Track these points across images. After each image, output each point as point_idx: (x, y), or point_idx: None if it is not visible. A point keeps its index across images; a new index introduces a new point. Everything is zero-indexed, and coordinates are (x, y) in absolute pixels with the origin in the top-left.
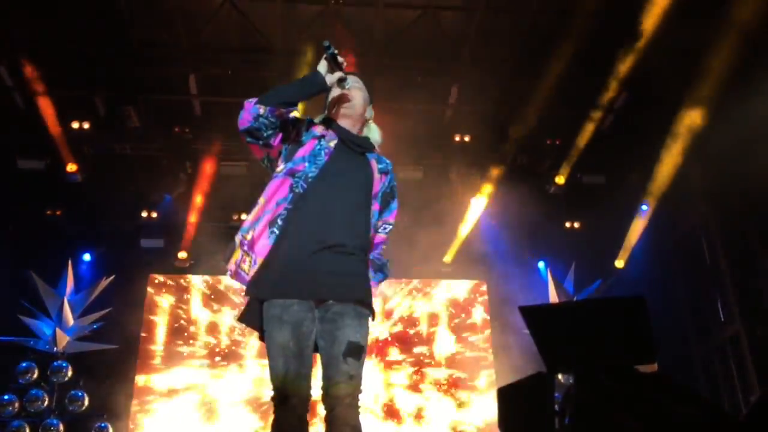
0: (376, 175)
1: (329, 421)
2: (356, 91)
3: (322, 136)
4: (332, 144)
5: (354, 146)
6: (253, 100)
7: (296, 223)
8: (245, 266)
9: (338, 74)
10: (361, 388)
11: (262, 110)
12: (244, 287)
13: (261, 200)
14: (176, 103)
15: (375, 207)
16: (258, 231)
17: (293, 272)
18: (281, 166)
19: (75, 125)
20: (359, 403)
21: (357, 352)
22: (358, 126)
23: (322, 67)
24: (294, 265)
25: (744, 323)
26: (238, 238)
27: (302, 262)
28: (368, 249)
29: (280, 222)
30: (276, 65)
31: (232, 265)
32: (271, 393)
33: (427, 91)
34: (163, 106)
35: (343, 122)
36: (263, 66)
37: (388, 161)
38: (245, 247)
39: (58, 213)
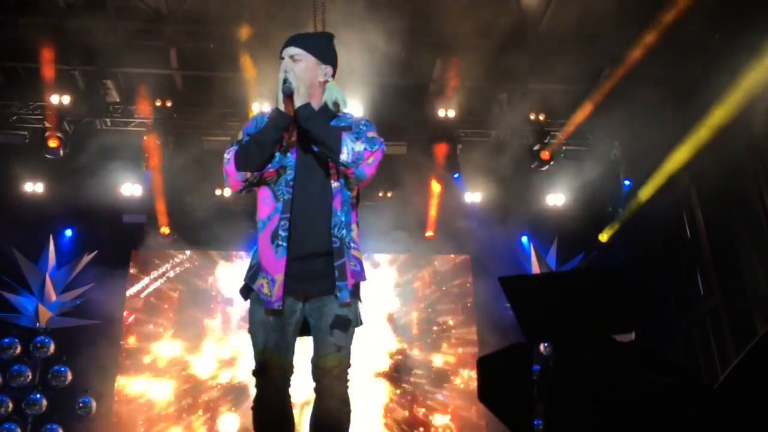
0: None
1: (317, 393)
2: (292, 65)
3: (282, 137)
4: (293, 139)
5: None
6: (230, 161)
7: (295, 232)
8: (265, 290)
9: (287, 86)
10: (350, 362)
11: (249, 176)
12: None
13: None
14: (157, 76)
15: (335, 181)
16: (264, 250)
17: (298, 283)
18: None
19: (55, 99)
20: (348, 377)
21: (344, 324)
22: (315, 96)
23: (280, 102)
24: (301, 275)
25: (723, 297)
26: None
27: (300, 270)
28: (347, 234)
29: (282, 233)
30: (257, 38)
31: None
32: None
33: (411, 64)
34: (144, 79)
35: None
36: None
37: (349, 118)
38: (260, 269)
39: (38, 188)
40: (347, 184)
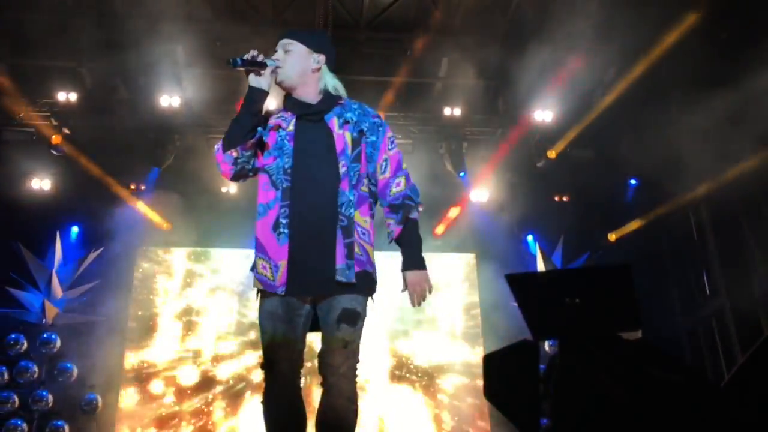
0: (337, 132)
1: (324, 389)
2: (284, 56)
3: (279, 126)
4: (291, 128)
5: (311, 116)
6: (219, 149)
7: (297, 220)
8: (267, 273)
9: (267, 70)
10: (359, 358)
11: (235, 153)
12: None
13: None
14: (163, 74)
15: (343, 166)
16: (265, 237)
17: (302, 273)
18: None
19: (62, 96)
20: (357, 374)
21: (352, 318)
22: (311, 83)
23: (252, 80)
24: (304, 265)
25: (729, 297)
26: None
27: (303, 260)
28: (355, 213)
29: (283, 221)
30: (264, 35)
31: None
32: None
33: (418, 63)
34: (150, 77)
35: (296, 94)
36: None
37: (354, 107)
38: (257, 252)
39: (45, 185)
40: (356, 160)
